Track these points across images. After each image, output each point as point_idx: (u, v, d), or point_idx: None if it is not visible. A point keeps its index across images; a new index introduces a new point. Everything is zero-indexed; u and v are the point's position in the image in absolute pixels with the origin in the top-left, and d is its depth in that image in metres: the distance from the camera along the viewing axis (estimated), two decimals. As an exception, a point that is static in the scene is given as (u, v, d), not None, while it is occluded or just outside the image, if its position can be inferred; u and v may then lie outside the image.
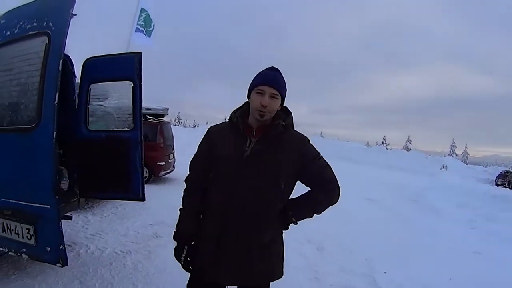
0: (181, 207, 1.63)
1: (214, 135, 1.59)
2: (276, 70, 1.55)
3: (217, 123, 1.74)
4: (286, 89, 1.55)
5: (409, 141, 52.92)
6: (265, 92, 1.46)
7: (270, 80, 1.48)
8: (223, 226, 1.48)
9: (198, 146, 1.64)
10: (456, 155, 47.90)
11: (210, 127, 1.66)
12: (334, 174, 1.56)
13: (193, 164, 1.65)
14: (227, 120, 1.63)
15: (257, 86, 1.48)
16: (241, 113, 1.55)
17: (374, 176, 13.77)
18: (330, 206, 1.58)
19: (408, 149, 44.04)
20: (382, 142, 55.00)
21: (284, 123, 1.51)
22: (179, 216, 1.63)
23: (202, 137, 1.64)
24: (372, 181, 12.15)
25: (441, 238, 5.60)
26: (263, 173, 1.46)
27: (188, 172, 1.66)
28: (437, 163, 19.60)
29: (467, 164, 26.74)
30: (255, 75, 1.55)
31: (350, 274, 3.61)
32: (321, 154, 1.56)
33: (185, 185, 1.65)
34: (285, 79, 1.55)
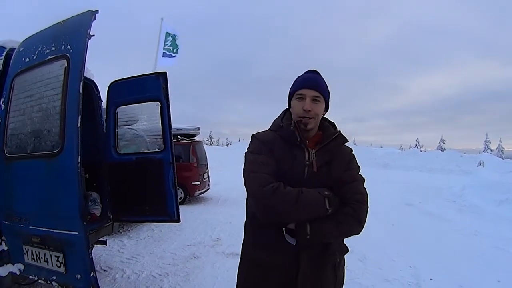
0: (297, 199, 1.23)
1: (268, 143, 1.37)
2: (315, 72, 1.44)
3: (259, 131, 1.48)
4: (329, 92, 1.42)
5: (442, 141, 51.96)
6: (306, 95, 1.35)
7: (310, 83, 1.37)
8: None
9: (253, 153, 1.37)
10: (491, 150, 46.45)
11: (256, 135, 1.43)
12: (365, 190, 1.37)
13: (258, 173, 1.29)
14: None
15: (297, 91, 1.38)
16: (294, 120, 1.36)
17: (411, 180, 13.57)
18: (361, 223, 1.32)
19: (442, 149, 43.12)
20: (416, 145, 54.50)
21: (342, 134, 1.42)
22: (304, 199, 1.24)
23: (252, 144, 1.41)
24: (409, 185, 11.97)
25: (485, 238, 5.37)
26: (327, 186, 1.31)
27: (252, 186, 1.30)
28: (473, 161, 19.04)
29: (503, 158, 25.68)
30: (294, 80, 1.44)
31: (395, 284, 3.48)
32: (360, 170, 1.43)
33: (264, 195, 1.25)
34: (326, 82, 1.43)
